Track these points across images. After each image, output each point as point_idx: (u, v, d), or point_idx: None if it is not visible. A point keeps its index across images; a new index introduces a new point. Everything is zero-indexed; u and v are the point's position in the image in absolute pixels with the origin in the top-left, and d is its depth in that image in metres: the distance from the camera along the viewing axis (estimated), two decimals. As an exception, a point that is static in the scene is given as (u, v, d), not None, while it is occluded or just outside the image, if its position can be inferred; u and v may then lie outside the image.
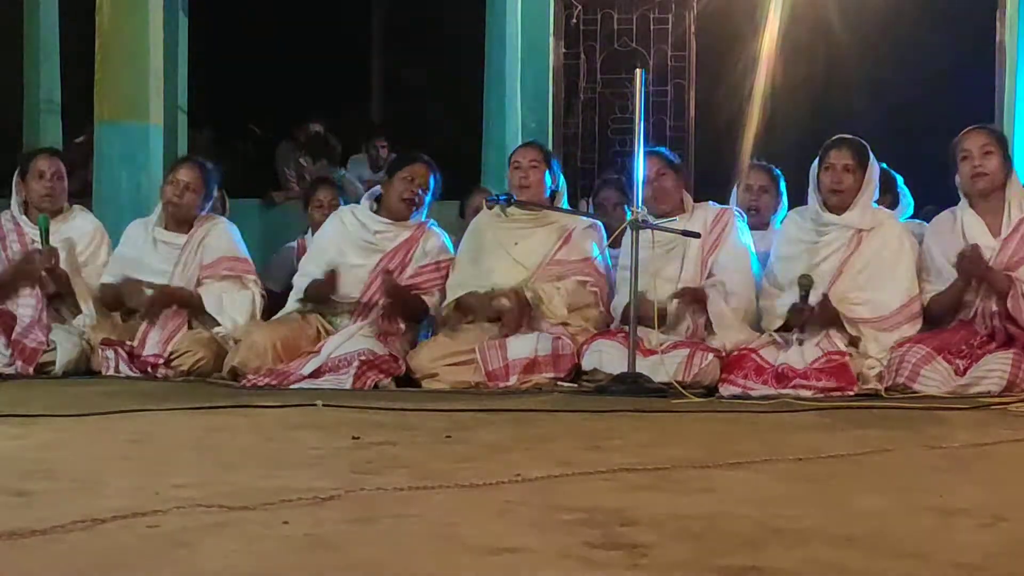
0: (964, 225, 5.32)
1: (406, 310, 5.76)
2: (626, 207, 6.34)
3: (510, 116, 8.26)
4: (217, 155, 10.38)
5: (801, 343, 5.26)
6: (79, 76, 8.46)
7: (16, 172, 6.25)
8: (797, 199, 5.83)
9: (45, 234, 5.92)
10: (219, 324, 5.90)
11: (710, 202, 5.81)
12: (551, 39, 8.65)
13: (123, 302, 6.03)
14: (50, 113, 9.34)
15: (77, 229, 6.20)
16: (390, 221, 5.88)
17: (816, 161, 5.51)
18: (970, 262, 5.15)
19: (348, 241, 5.84)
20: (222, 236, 6.10)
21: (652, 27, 8.73)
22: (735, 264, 5.53)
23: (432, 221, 6.03)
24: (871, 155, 5.49)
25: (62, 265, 5.99)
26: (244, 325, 5.86)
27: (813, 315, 5.27)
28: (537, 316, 5.58)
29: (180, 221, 6.11)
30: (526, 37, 8.47)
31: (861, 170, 5.44)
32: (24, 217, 6.18)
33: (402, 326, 5.74)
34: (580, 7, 8.76)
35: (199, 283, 6.00)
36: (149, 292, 5.94)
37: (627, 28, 8.76)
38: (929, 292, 5.36)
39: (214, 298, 5.95)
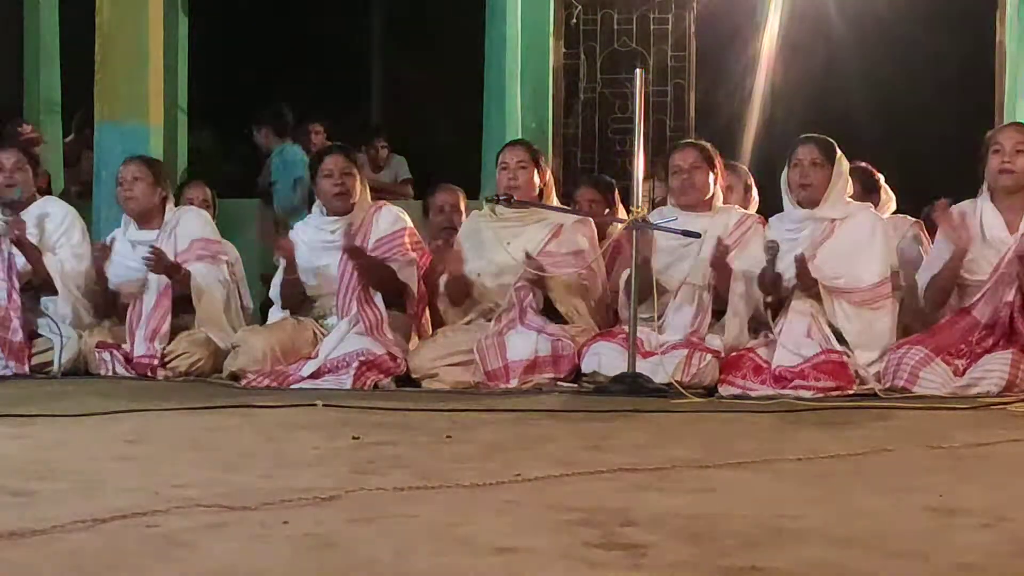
0: (983, 218, 5.33)
1: (375, 276, 5.73)
2: (607, 203, 6.37)
3: (510, 116, 8.25)
4: (217, 155, 10.40)
5: (767, 336, 5.27)
6: (79, 76, 8.46)
7: None
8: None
9: (13, 205, 6.01)
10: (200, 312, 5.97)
11: (736, 206, 5.78)
12: (551, 39, 8.64)
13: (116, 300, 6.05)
14: (50, 113, 9.34)
15: (46, 212, 6.23)
16: (340, 218, 5.90)
17: (787, 164, 5.54)
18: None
19: (312, 248, 5.87)
20: (192, 221, 6.18)
21: (652, 27, 8.73)
22: (750, 269, 5.50)
23: (384, 202, 6.12)
24: (838, 151, 5.50)
25: (33, 239, 6.03)
26: (241, 331, 5.87)
27: (785, 281, 5.27)
28: (538, 296, 5.58)
29: (146, 216, 6.16)
30: (526, 37, 8.46)
31: (829, 165, 5.47)
32: None
33: (382, 309, 5.69)
34: (580, 7, 8.75)
35: None
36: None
37: (627, 28, 8.76)
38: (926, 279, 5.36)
39: (199, 279, 5.99)
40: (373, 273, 5.72)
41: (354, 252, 5.69)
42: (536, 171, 5.84)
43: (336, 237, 5.86)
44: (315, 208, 6.08)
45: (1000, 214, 5.32)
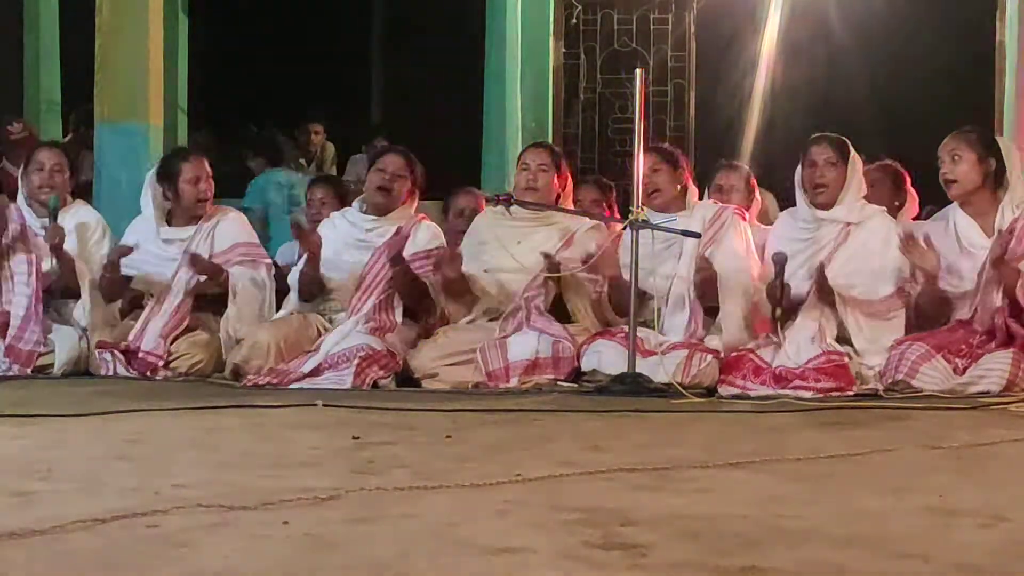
0: (957, 227, 5.32)
1: (407, 284, 5.71)
2: (605, 204, 6.38)
3: (510, 116, 8.26)
4: (217, 155, 10.41)
5: (768, 336, 5.27)
6: (79, 76, 8.46)
7: (23, 165, 6.24)
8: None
9: (54, 213, 5.89)
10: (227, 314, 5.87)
11: (709, 200, 5.79)
12: (551, 39, 8.65)
13: (122, 291, 6.00)
14: (50, 113, 9.34)
15: (82, 219, 6.17)
16: (379, 218, 5.89)
17: (800, 162, 5.53)
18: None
19: (342, 242, 5.85)
20: (233, 223, 6.10)
21: (652, 27, 8.74)
22: (730, 262, 5.49)
23: (424, 216, 6.04)
24: (852, 149, 5.49)
25: (68, 247, 5.94)
26: (250, 326, 5.85)
27: (791, 294, 5.27)
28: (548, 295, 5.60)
29: (190, 216, 6.09)
30: (526, 37, 8.47)
31: (843, 164, 5.45)
32: (29, 209, 6.15)
33: (397, 318, 5.69)
34: (580, 7, 8.76)
35: None
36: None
37: (627, 28, 8.77)
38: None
39: (238, 282, 5.90)
40: (408, 284, 5.71)
41: (398, 259, 5.65)
42: (556, 175, 5.82)
43: (370, 237, 5.82)
44: (355, 203, 6.05)
45: (973, 220, 5.30)
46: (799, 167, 5.54)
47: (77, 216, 6.17)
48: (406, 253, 5.72)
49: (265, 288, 6.01)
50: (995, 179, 5.32)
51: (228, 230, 6.05)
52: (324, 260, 5.80)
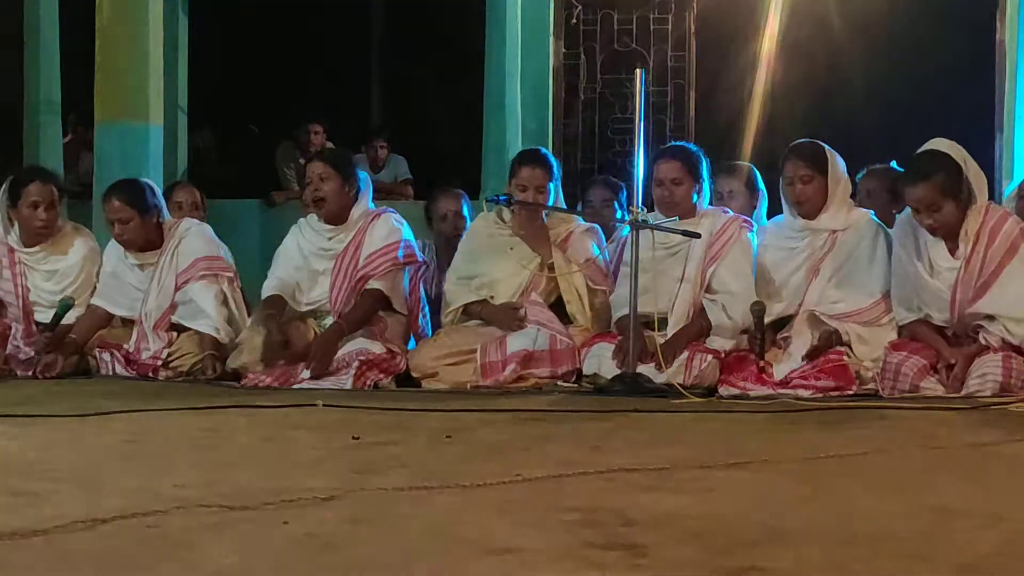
0: (929, 249, 5.14)
1: (370, 314, 5.69)
2: (615, 204, 6.35)
3: (510, 116, 8.24)
4: (217, 155, 10.40)
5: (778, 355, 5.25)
6: (79, 76, 8.46)
7: (3, 195, 6.06)
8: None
9: (57, 319, 5.85)
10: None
11: (722, 209, 5.68)
12: (551, 39, 8.64)
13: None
14: (50, 113, 9.32)
15: (66, 261, 6.08)
16: (332, 226, 5.85)
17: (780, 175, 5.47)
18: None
19: (309, 251, 5.86)
20: (194, 240, 6.01)
21: (652, 27, 8.73)
22: (736, 279, 5.43)
23: (386, 209, 5.98)
24: (829, 157, 5.36)
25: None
26: (245, 329, 5.83)
27: (767, 341, 5.20)
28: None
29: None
30: (526, 37, 8.45)
31: (821, 175, 5.36)
32: (17, 242, 6.06)
33: (383, 316, 5.70)
34: (580, 7, 8.75)
35: (177, 288, 5.92)
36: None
37: (627, 28, 8.76)
38: (903, 314, 5.21)
39: (188, 311, 5.89)
40: (366, 316, 5.66)
41: (340, 329, 5.59)
42: (552, 186, 5.77)
43: (332, 245, 5.81)
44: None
45: (943, 241, 5.10)
46: (781, 178, 5.47)
47: (62, 261, 6.07)
48: (362, 254, 5.71)
49: (225, 300, 5.92)
50: (966, 202, 5.07)
51: (189, 247, 5.98)
52: (300, 269, 5.81)
